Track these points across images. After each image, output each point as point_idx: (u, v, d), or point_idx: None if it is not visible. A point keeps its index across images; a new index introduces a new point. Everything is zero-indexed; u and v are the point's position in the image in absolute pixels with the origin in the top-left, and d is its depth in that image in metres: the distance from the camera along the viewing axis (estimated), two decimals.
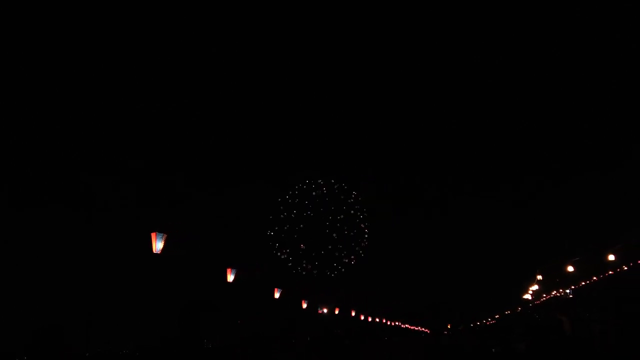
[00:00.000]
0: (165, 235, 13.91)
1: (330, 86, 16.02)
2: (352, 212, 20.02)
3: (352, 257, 20.19)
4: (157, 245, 12.97)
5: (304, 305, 31.35)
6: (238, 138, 17.72)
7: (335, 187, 19.88)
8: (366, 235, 20.58)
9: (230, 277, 21.41)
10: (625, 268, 31.68)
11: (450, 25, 13.47)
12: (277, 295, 27.17)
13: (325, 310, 37.07)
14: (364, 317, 46.13)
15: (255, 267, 24.58)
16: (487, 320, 58.01)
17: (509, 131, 19.43)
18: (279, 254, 19.90)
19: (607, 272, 33.77)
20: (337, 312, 38.62)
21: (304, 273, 20.12)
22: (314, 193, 19.44)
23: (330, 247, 20.11)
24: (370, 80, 16.01)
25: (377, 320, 51.73)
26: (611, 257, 30.15)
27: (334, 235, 20.16)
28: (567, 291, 41.22)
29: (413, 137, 20.17)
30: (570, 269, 34.47)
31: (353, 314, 42.65)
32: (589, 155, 20.82)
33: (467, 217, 28.69)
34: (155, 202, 18.77)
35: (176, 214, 19.56)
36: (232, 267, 21.51)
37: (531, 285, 46.22)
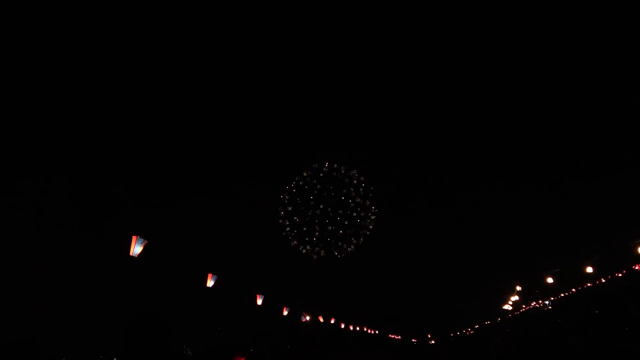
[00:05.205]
0: (146, 242, 13.75)
1: (336, 83, 16.00)
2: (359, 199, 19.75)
3: (357, 238, 19.80)
4: (135, 249, 12.80)
5: (285, 312, 31.20)
6: (240, 136, 17.58)
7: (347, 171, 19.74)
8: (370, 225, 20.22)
9: (210, 283, 21.19)
10: (604, 280, 32.09)
11: (465, 20, 13.44)
12: (259, 302, 26.96)
13: (308, 318, 36.98)
14: (344, 325, 46.13)
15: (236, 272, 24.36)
16: (467, 331, 58.25)
17: (488, 140, 19.56)
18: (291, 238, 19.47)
19: (586, 284, 34.18)
20: (321, 320, 38.57)
21: (314, 257, 19.67)
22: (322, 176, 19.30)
23: (339, 229, 19.71)
24: (375, 75, 15.99)
25: (358, 328, 51.69)
26: (590, 269, 30.63)
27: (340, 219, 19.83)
28: (547, 302, 41.60)
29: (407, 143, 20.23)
30: (550, 280, 34.88)
31: (332, 321, 42.62)
32: (571, 164, 21.03)
33: (449, 224, 28.73)
34: (152, 202, 18.51)
35: (174, 214, 19.32)
36: (212, 273, 21.29)
37: (511, 295, 46.62)
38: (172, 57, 14.00)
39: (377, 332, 54.94)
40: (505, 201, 24.76)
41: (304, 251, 19.20)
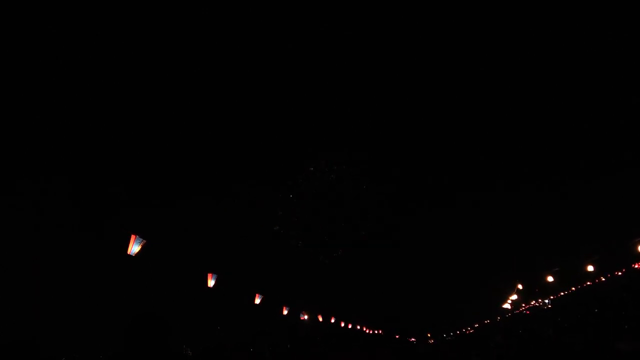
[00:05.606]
0: (144, 242, 13.78)
1: (339, 82, 15.98)
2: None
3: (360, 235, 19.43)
4: (133, 248, 12.82)
5: (285, 312, 31.22)
6: (241, 135, 17.55)
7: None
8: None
9: (211, 283, 21.20)
10: (604, 279, 32.13)
11: (469, 19, 13.39)
12: (257, 301, 26.99)
13: (306, 317, 37.01)
14: (344, 324, 46.19)
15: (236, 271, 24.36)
16: (467, 330, 58.26)
17: (488, 140, 19.55)
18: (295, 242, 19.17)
19: (585, 283, 34.22)
20: (320, 319, 38.60)
21: (326, 262, 19.42)
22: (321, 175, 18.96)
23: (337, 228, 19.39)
24: (375, 75, 15.97)
25: (358, 328, 51.74)
26: (590, 268, 30.72)
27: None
28: (546, 301, 41.65)
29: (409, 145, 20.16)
30: (550, 279, 34.96)
31: (332, 320, 42.66)
32: (571, 164, 21.04)
33: (449, 224, 28.73)
34: (150, 202, 18.45)
35: (175, 213, 19.27)
36: (212, 272, 21.29)
37: (511, 294, 46.71)
38: (171, 56, 14.00)
39: (380, 332, 54.93)
40: (505, 201, 24.76)
41: (300, 250, 19.10)
